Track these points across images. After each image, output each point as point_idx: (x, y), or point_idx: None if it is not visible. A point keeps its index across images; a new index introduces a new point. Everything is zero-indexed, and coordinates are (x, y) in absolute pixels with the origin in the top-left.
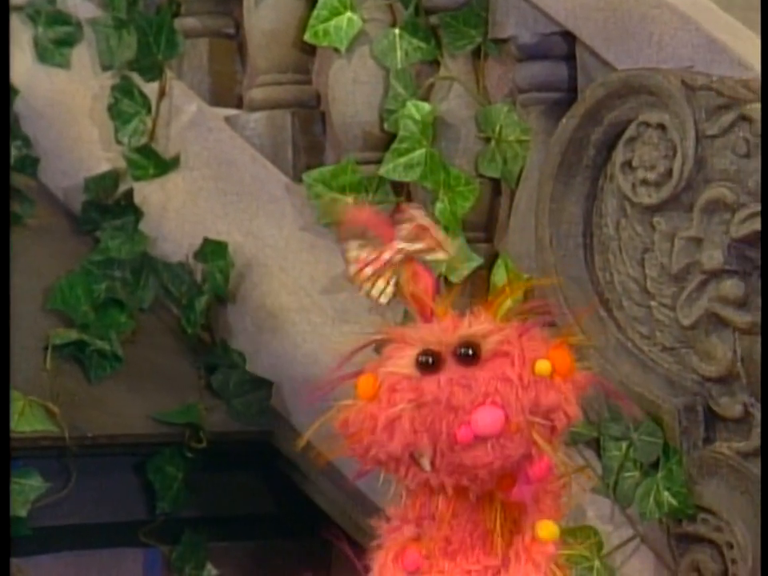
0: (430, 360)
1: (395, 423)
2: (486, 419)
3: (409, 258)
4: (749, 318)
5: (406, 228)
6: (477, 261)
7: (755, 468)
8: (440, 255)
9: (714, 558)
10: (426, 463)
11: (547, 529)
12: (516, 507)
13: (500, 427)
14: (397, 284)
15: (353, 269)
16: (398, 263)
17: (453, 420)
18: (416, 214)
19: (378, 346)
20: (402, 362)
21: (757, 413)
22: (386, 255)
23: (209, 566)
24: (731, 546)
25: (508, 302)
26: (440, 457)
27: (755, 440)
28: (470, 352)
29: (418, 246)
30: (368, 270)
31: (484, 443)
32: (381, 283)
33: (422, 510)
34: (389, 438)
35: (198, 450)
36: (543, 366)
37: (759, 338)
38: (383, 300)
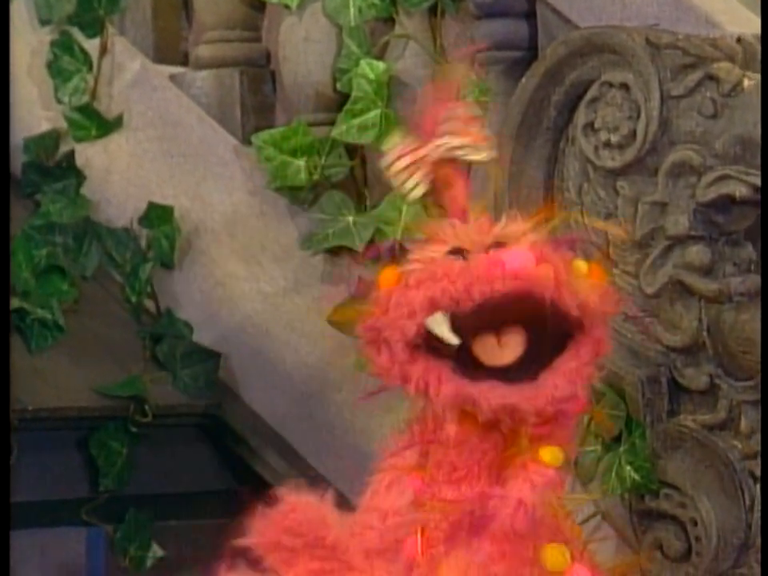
0: (461, 258)
1: (407, 293)
2: (517, 254)
3: (446, 159)
4: (715, 285)
5: (450, 123)
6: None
7: (721, 441)
8: (478, 156)
9: (677, 536)
10: (446, 332)
11: (551, 453)
12: (538, 437)
13: (531, 263)
14: (431, 183)
15: (389, 158)
16: (435, 160)
17: (475, 279)
18: (470, 110)
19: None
20: (431, 256)
21: (723, 384)
22: (424, 150)
23: (154, 546)
24: (695, 523)
25: (549, 222)
26: (459, 329)
27: (721, 412)
28: None
29: (458, 141)
30: (403, 161)
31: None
32: (413, 179)
33: (430, 434)
34: (402, 314)
35: (143, 424)
36: (581, 265)
37: (725, 307)
38: (413, 195)
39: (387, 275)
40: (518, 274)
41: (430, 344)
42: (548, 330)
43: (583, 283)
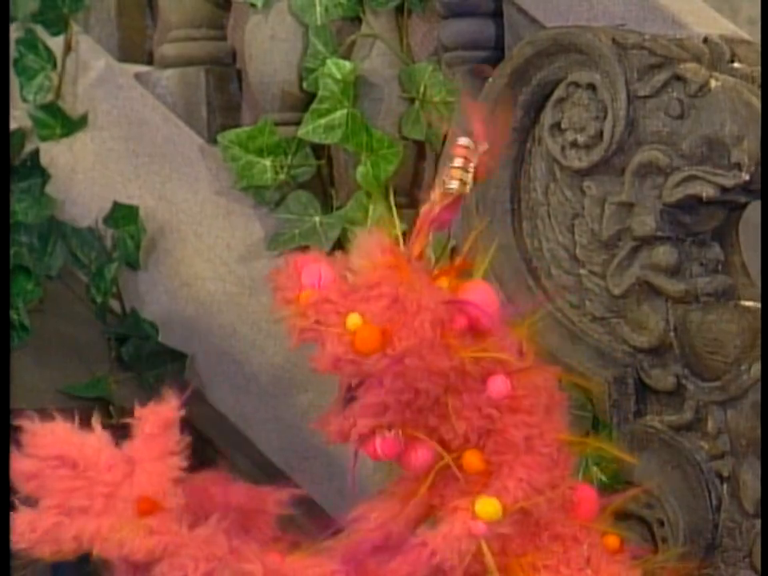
0: None
1: None
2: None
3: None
4: (682, 286)
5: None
6: (400, 227)
7: (687, 442)
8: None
9: (643, 536)
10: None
11: (487, 506)
12: (484, 482)
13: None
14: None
15: (462, 145)
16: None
17: None
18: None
19: None
20: None
21: (690, 385)
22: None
23: None
24: (662, 524)
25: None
26: None
27: (688, 413)
28: None
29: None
30: (472, 159)
31: None
32: (470, 175)
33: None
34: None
35: (108, 426)
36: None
37: (692, 307)
38: (461, 191)
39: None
40: None
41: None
42: None
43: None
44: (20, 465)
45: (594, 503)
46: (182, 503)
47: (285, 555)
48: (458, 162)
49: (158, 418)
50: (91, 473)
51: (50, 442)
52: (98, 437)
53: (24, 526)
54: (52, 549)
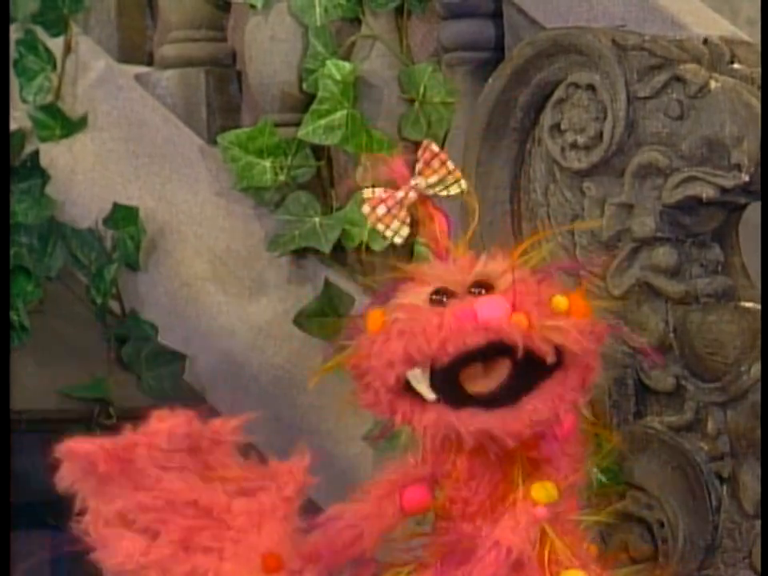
0: (444, 298)
1: (388, 344)
2: (489, 304)
3: (423, 197)
4: (682, 287)
5: (420, 163)
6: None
7: (687, 443)
8: (455, 188)
9: (643, 538)
10: (424, 389)
11: (544, 490)
12: (537, 466)
13: (504, 313)
14: (412, 225)
15: (366, 208)
16: (412, 201)
17: (449, 334)
18: (431, 148)
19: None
20: (416, 298)
21: (689, 386)
22: (400, 193)
23: None
24: (662, 525)
25: (535, 254)
26: (440, 378)
27: (688, 414)
28: (483, 291)
29: (433, 179)
30: (381, 209)
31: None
32: (395, 224)
33: (439, 468)
34: (382, 365)
35: (108, 427)
36: (560, 301)
37: (692, 308)
38: (398, 240)
39: (374, 319)
40: (489, 325)
41: (411, 389)
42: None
43: (563, 323)
44: (139, 498)
45: (573, 425)
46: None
47: None
48: (380, 210)
49: (293, 480)
50: (221, 516)
51: (181, 487)
52: (230, 490)
53: (134, 549)
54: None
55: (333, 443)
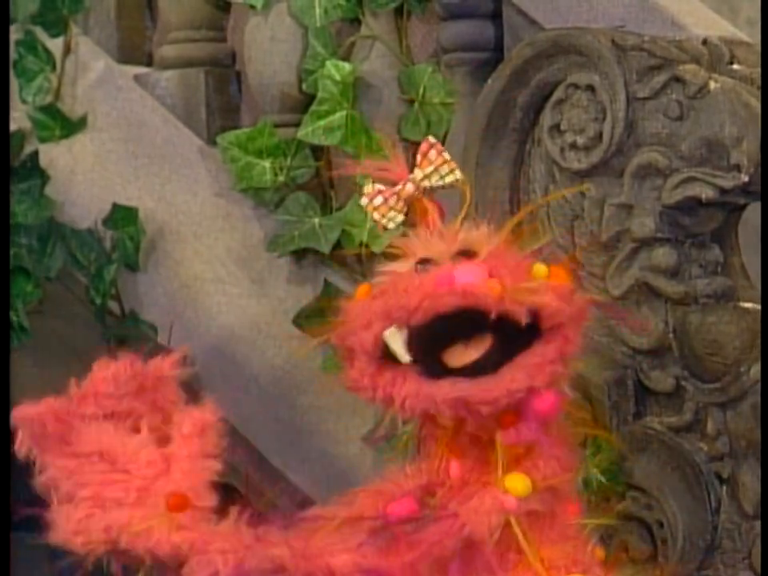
0: (428, 267)
1: (369, 305)
2: (467, 270)
3: (419, 192)
4: (681, 287)
5: (418, 155)
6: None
7: (687, 443)
8: (450, 177)
9: (643, 538)
10: (400, 348)
11: (517, 481)
12: (518, 461)
13: (480, 279)
14: (407, 215)
15: (364, 200)
16: (409, 193)
17: (426, 294)
18: (429, 140)
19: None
20: (401, 267)
21: (689, 386)
22: (397, 187)
23: None
24: (661, 525)
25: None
26: (417, 340)
27: (687, 415)
28: (465, 259)
29: (429, 169)
30: (378, 199)
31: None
32: (391, 213)
33: (434, 476)
34: (361, 325)
35: None
36: (540, 269)
37: (692, 309)
38: (391, 226)
39: (362, 289)
40: (464, 289)
41: (392, 356)
42: (512, 331)
43: (540, 287)
44: (62, 462)
45: (554, 404)
46: (214, 505)
47: (308, 536)
48: (377, 201)
49: (196, 420)
50: (129, 467)
51: (93, 439)
52: (141, 438)
53: (61, 519)
54: (83, 540)
55: (333, 443)
